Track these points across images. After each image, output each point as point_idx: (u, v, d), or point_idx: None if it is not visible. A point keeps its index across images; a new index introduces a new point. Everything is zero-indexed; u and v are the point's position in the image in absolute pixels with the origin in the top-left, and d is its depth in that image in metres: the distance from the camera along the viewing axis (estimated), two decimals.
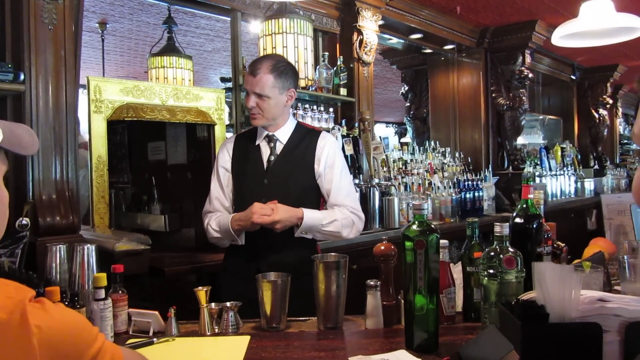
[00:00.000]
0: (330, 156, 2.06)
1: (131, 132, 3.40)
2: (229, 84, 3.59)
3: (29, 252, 1.91)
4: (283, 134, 2.07)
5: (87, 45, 5.75)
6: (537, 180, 5.30)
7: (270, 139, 2.07)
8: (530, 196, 1.59)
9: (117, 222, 3.20)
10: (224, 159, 2.12)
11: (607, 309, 1.09)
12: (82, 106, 2.66)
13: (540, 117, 7.17)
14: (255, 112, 2.02)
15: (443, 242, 1.52)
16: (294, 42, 3.03)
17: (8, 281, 0.70)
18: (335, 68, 3.72)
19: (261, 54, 3.15)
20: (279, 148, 2.07)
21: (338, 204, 2.04)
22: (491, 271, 1.37)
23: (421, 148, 4.83)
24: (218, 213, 2.07)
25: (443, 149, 4.84)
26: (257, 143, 2.09)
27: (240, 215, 1.97)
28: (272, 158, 2.06)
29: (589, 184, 6.32)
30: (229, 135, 3.49)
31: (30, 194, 2.20)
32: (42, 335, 0.66)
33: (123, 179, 3.45)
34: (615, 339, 1.06)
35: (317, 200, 2.09)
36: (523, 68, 5.22)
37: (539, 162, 5.74)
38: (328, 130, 3.47)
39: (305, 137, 2.09)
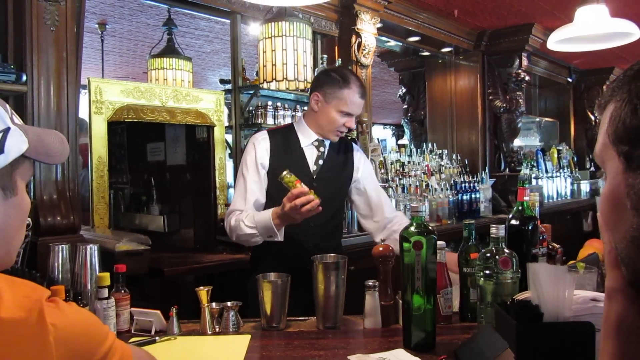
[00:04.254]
0: (368, 166, 2.21)
1: (130, 133, 3.42)
2: (229, 86, 3.61)
3: (30, 252, 1.93)
4: (327, 140, 2.11)
5: (86, 45, 5.74)
6: (534, 182, 5.34)
7: (320, 144, 2.09)
8: (526, 198, 1.61)
9: (116, 223, 3.22)
10: (262, 155, 2.03)
11: (599, 309, 1.12)
12: (83, 107, 2.68)
13: (537, 119, 7.21)
14: (344, 131, 2.08)
15: (440, 243, 1.54)
16: (294, 44, 3.06)
17: (25, 281, 0.72)
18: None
19: (260, 57, 3.17)
20: (325, 153, 2.10)
21: (397, 215, 2.19)
22: (487, 272, 1.40)
23: (418, 150, 4.86)
24: (248, 211, 1.98)
25: (440, 151, 4.88)
26: (302, 146, 2.08)
27: (280, 213, 1.83)
28: (321, 162, 2.08)
29: (585, 186, 6.36)
30: (229, 137, 3.51)
31: (32, 194, 2.22)
32: (57, 334, 0.68)
33: (122, 179, 3.47)
34: None
35: (345, 201, 2.24)
36: (520, 71, 5.26)
37: (535, 164, 5.78)
38: None
39: (341, 144, 2.16)
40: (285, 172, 1.79)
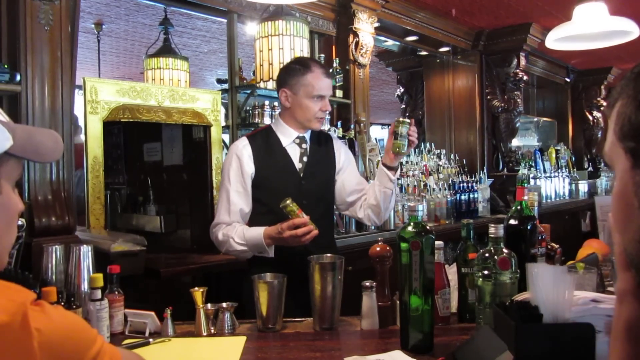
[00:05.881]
0: (346, 153, 2.20)
1: (127, 133, 3.40)
2: (225, 86, 3.59)
3: (24, 253, 1.91)
4: (307, 135, 2.10)
5: (82, 46, 5.73)
6: (532, 182, 5.33)
7: (302, 140, 2.08)
8: (525, 198, 1.60)
9: (113, 223, 3.20)
10: (247, 164, 2.01)
11: (600, 310, 1.10)
12: (78, 107, 2.66)
13: (535, 119, 7.20)
14: (324, 116, 2.06)
15: (438, 243, 1.52)
16: (290, 44, 3.04)
17: (9, 283, 0.70)
18: (331, 70, 3.73)
19: (257, 56, 3.16)
20: (309, 149, 2.09)
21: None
22: (486, 272, 1.38)
23: (416, 150, 4.84)
24: (235, 225, 1.98)
25: (438, 151, 4.86)
26: (284, 145, 2.06)
27: (273, 235, 1.87)
28: (306, 159, 2.07)
29: (583, 186, 6.35)
30: (225, 136, 3.50)
31: (26, 194, 2.20)
32: (42, 338, 0.66)
33: (119, 180, 3.45)
34: (608, 339, 1.07)
35: (334, 195, 2.19)
36: (518, 70, 5.25)
37: (533, 164, 5.76)
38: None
39: (320, 137, 2.15)
40: (288, 201, 1.81)
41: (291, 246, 1.86)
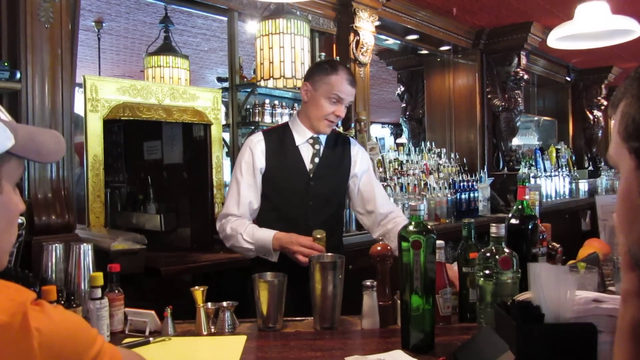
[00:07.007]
0: (362, 160, 2.17)
1: (127, 132, 3.40)
2: (226, 84, 3.58)
3: (24, 251, 1.90)
4: (323, 136, 2.10)
5: (83, 43, 5.72)
6: (532, 181, 5.32)
7: (315, 141, 2.08)
8: (526, 197, 1.59)
9: (113, 222, 3.20)
10: (259, 158, 2.03)
11: (601, 310, 1.10)
12: (79, 105, 2.66)
13: (535, 118, 7.19)
14: (335, 121, 2.06)
15: (439, 242, 1.52)
16: (291, 42, 3.03)
17: (9, 283, 0.69)
18: None
19: (258, 55, 3.15)
20: (321, 150, 2.09)
21: (392, 211, 2.15)
22: (487, 272, 1.38)
23: (417, 149, 4.84)
24: (245, 221, 1.98)
25: (439, 150, 4.86)
26: (297, 144, 2.07)
27: (283, 241, 1.86)
28: (317, 160, 2.07)
29: (584, 185, 6.35)
30: (226, 135, 3.49)
31: (26, 192, 2.20)
32: (42, 339, 0.66)
33: (119, 178, 3.45)
34: (609, 339, 1.07)
35: (345, 198, 2.20)
36: (518, 69, 5.24)
37: (533, 163, 5.76)
38: None
39: (338, 140, 2.16)
40: (319, 235, 1.83)
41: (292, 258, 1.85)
